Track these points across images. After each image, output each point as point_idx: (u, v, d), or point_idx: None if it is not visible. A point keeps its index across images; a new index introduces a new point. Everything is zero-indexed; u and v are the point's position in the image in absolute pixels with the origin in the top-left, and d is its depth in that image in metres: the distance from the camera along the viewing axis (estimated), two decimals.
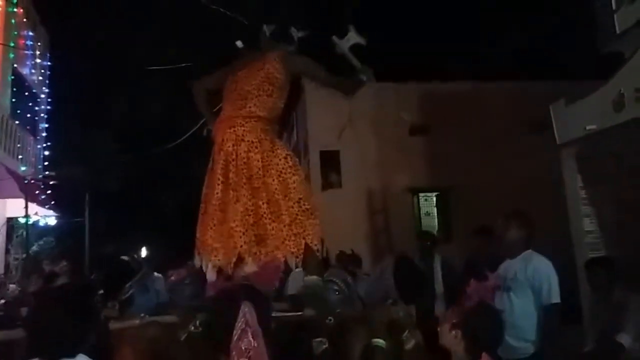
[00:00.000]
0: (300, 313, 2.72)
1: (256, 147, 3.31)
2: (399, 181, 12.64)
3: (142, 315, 2.67)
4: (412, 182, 12.72)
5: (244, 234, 3.20)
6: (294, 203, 3.32)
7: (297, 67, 3.64)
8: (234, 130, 3.33)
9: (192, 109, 3.97)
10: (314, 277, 3.16)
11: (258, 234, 3.25)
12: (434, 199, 13.27)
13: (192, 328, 2.30)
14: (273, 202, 3.29)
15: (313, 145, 12.90)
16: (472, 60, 13.80)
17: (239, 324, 1.81)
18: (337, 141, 12.54)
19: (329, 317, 2.63)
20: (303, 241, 3.24)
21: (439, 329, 2.23)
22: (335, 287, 3.19)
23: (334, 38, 3.65)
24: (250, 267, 2.79)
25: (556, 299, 3.52)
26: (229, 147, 3.30)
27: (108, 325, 2.45)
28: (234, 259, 3.12)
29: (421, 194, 13.16)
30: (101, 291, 3.45)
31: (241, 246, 3.16)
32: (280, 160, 3.38)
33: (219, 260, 3.19)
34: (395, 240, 11.37)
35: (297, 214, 3.30)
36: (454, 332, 2.17)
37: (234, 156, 3.27)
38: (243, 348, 1.79)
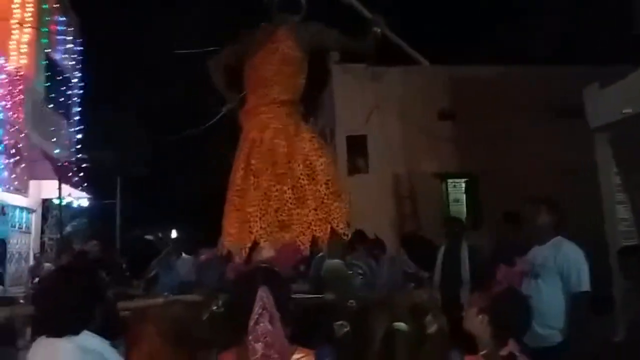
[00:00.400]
0: (321, 296, 2.72)
1: (281, 133, 3.32)
2: (427, 166, 12.50)
3: (166, 294, 2.71)
4: (440, 168, 12.57)
5: (260, 219, 3.21)
6: (320, 186, 3.32)
7: (311, 38, 3.60)
8: (259, 118, 3.34)
9: (221, 93, 3.96)
10: (336, 260, 3.17)
11: (281, 220, 3.25)
12: (463, 185, 13.10)
13: (215, 308, 2.32)
14: (298, 188, 3.29)
15: (340, 129, 12.85)
16: (502, 43, 13.47)
17: (256, 309, 1.80)
18: (364, 126, 12.46)
19: (351, 300, 2.63)
20: (329, 225, 3.23)
21: (464, 313, 2.19)
22: (360, 270, 3.19)
23: None
24: (267, 252, 2.80)
25: (586, 287, 3.44)
26: (254, 134, 3.32)
27: (116, 304, 2.48)
28: (249, 244, 3.13)
29: (450, 180, 13.00)
30: (106, 271, 3.53)
31: (257, 231, 3.17)
32: (305, 143, 3.38)
33: (231, 244, 3.22)
34: (423, 227, 11.27)
35: (323, 197, 3.29)
36: (480, 316, 2.13)
37: (258, 143, 3.28)
38: (259, 332, 1.78)
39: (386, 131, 12.37)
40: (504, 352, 2.04)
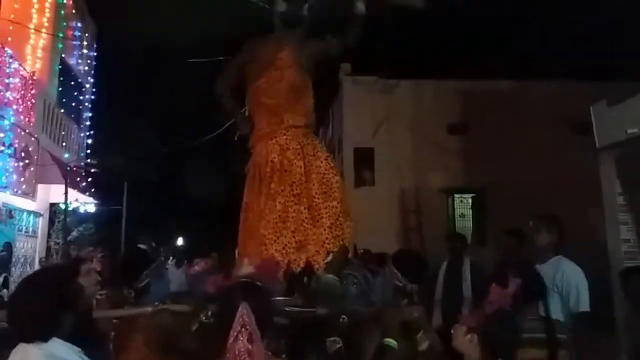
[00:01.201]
0: (313, 310, 2.70)
1: (299, 154, 3.31)
2: (434, 181, 12.47)
3: (156, 303, 2.71)
4: (447, 182, 12.54)
5: (275, 241, 3.22)
6: (336, 203, 3.34)
7: (312, 56, 3.60)
8: (277, 141, 3.32)
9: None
10: (330, 275, 3.16)
11: (299, 240, 3.27)
12: (470, 200, 13.03)
13: (204, 318, 2.31)
14: (313, 207, 3.31)
15: (347, 141, 12.87)
16: (513, 58, 13.44)
17: (236, 326, 1.76)
18: (372, 138, 12.47)
19: (342, 316, 2.61)
20: (341, 242, 3.26)
21: (452, 331, 2.17)
22: (355, 280, 3.18)
23: None
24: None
25: (585, 307, 3.38)
26: (274, 157, 3.29)
27: (92, 313, 2.46)
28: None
29: (456, 195, 12.95)
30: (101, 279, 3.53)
31: (272, 253, 3.18)
32: (321, 162, 3.39)
33: (247, 266, 3.22)
34: (428, 241, 11.21)
35: (338, 215, 3.32)
36: (469, 335, 2.12)
37: (278, 166, 3.26)
38: (237, 350, 1.74)
39: (394, 144, 12.37)
40: None
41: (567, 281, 3.42)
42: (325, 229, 3.29)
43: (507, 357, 2.07)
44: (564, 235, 3.61)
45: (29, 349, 1.86)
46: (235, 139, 3.65)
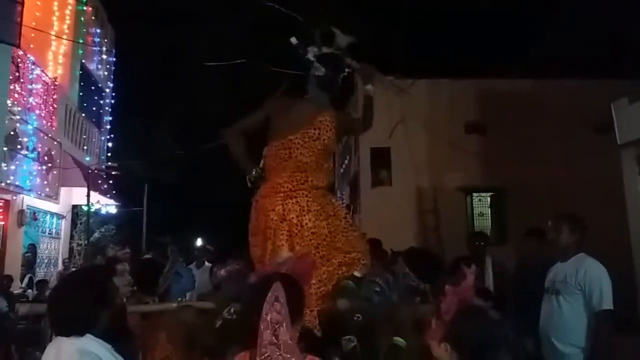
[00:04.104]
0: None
1: (321, 215, 3.26)
2: (452, 180, 12.40)
3: (180, 299, 2.76)
4: (465, 182, 12.46)
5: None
6: (355, 260, 3.32)
7: (340, 127, 3.53)
8: (297, 202, 3.23)
9: (248, 106, 3.91)
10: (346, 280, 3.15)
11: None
12: (489, 199, 12.94)
13: (227, 315, 2.35)
14: (343, 264, 3.29)
15: (364, 141, 12.85)
16: (532, 57, 13.32)
17: (270, 299, 1.85)
18: (388, 138, 12.44)
19: (357, 315, 2.62)
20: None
21: (429, 343, 2.11)
22: (377, 288, 3.18)
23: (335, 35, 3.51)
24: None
25: (608, 305, 3.35)
26: (292, 218, 3.19)
27: (125, 312, 2.53)
28: None
29: (475, 194, 12.86)
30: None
31: None
32: (341, 221, 3.37)
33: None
34: (446, 241, 11.15)
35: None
36: (442, 345, 2.01)
37: (299, 227, 3.21)
38: (270, 320, 1.83)
39: (411, 144, 12.33)
40: None
41: (590, 279, 3.40)
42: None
43: (483, 357, 1.97)
44: (585, 234, 3.59)
45: (62, 344, 1.95)
46: (249, 185, 3.54)
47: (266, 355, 1.83)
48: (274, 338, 1.83)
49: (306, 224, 3.14)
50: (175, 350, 2.73)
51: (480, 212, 12.93)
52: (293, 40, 3.66)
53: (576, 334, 3.42)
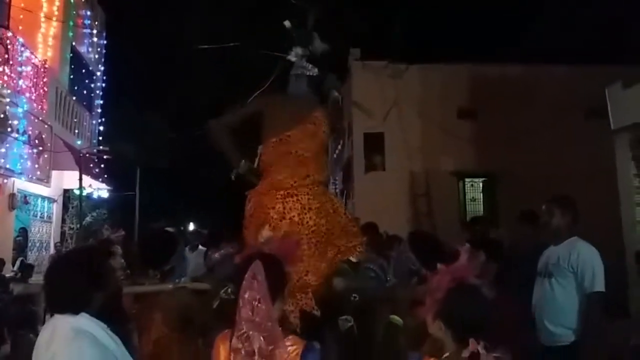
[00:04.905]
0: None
1: (321, 212, 3.26)
2: (445, 165, 12.45)
3: (177, 280, 2.76)
4: (458, 166, 12.51)
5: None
6: (351, 248, 3.34)
7: (333, 125, 3.58)
8: (299, 199, 3.21)
9: (240, 90, 3.86)
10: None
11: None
12: (481, 184, 13.01)
13: (224, 295, 2.36)
14: (339, 253, 3.31)
15: (357, 126, 12.86)
16: (525, 42, 13.30)
17: (248, 277, 1.88)
18: (381, 123, 12.44)
19: (354, 295, 2.64)
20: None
21: (424, 321, 2.11)
22: (372, 274, 3.20)
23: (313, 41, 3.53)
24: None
25: (600, 287, 3.39)
26: (293, 216, 3.18)
27: (120, 293, 2.53)
28: None
29: (467, 179, 12.93)
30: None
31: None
32: (342, 218, 3.37)
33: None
34: (439, 225, 11.23)
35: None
36: (436, 322, 2.03)
37: (300, 226, 3.18)
38: (247, 298, 1.86)
39: (404, 129, 12.34)
40: (465, 353, 1.92)
41: (583, 262, 3.43)
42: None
43: (476, 334, 1.95)
44: (578, 217, 3.62)
45: (57, 323, 1.97)
46: (233, 178, 3.52)
47: (242, 331, 1.86)
48: (251, 315, 1.86)
49: (307, 222, 3.15)
50: (171, 332, 2.74)
51: (473, 197, 13.01)
52: (287, 23, 3.66)
53: (568, 315, 3.47)
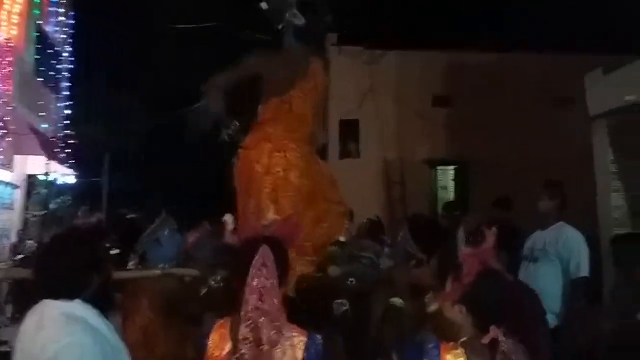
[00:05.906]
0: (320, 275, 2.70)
1: (307, 173, 3.24)
2: (418, 153, 12.51)
3: (162, 266, 2.68)
4: (432, 154, 12.59)
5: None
6: (338, 213, 3.35)
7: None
8: (285, 156, 3.21)
9: (218, 72, 3.80)
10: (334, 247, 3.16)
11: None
12: (452, 172, 13.13)
13: (213, 283, 2.30)
14: (321, 218, 3.29)
15: (333, 113, 12.76)
16: (501, 30, 13.39)
17: (257, 264, 1.84)
18: (357, 110, 12.39)
19: (351, 279, 2.60)
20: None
21: (440, 305, 2.08)
22: (365, 262, 3.18)
23: None
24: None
25: (585, 272, 3.45)
26: (278, 171, 3.17)
27: (110, 277, 2.44)
28: None
29: (439, 167, 13.02)
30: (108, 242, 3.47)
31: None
32: (326, 180, 3.37)
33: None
34: (410, 212, 11.28)
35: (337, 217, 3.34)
36: (457, 306, 2.01)
37: (284, 181, 3.15)
38: (256, 285, 1.82)
39: (379, 116, 12.33)
40: (486, 340, 1.91)
41: (570, 247, 3.47)
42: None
43: (499, 321, 1.93)
44: (566, 202, 3.65)
45: (45, 309, 1.85)
46: (226, 139, 3.49)
47: (251, 321, 1.81)
48: (260, 303, 1.81)
49: (291, 180, 3.14)
50: (156, 318, 2.65)
51: (444, 186, 13.13)
52: (264, 5, 3.64)
53: (552, 300, 3.51)
